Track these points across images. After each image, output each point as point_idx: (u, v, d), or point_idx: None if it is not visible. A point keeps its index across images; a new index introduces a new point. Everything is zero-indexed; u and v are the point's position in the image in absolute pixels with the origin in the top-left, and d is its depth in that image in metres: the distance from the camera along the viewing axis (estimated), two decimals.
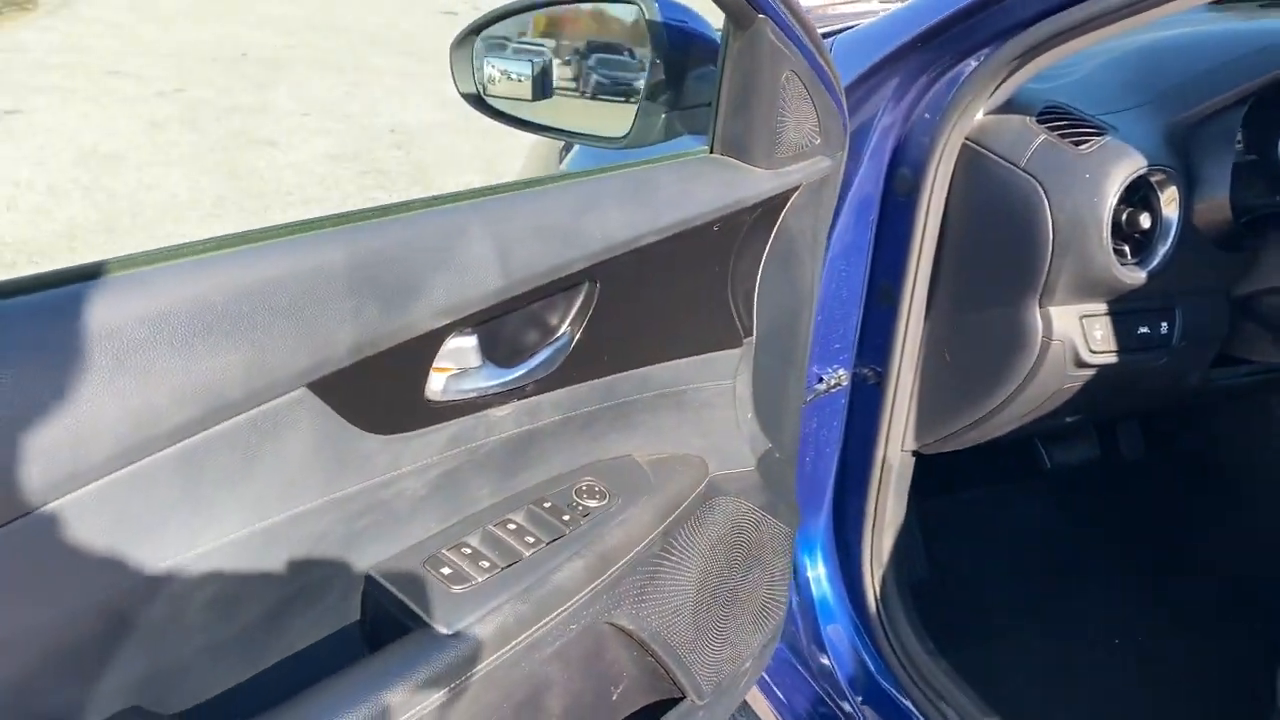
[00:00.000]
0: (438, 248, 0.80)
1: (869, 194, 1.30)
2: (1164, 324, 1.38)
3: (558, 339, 0.95)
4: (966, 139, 1.25)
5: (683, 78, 1.17)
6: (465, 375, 0.89)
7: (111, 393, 0.62)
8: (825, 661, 1.49)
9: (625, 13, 1.27)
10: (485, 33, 1.31)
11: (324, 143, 5.27)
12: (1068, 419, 1.49)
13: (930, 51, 1.22)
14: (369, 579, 0.85)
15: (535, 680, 0.95)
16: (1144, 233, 1.28)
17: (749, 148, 1.04)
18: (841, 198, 1.26)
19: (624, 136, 1.20)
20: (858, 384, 1.40)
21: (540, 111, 1.33)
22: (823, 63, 1.04)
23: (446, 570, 0.86)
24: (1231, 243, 1.37)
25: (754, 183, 1.04)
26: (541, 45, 1.35)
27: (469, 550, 0.89)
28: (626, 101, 1.25)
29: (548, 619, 0.89)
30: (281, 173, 4.82)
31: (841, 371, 1.39)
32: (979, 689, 1.41)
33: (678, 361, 1.08)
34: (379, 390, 0.80)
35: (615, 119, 1.22)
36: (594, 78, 1.32)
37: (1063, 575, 1.86)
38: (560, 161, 1.97)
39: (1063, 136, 1.24)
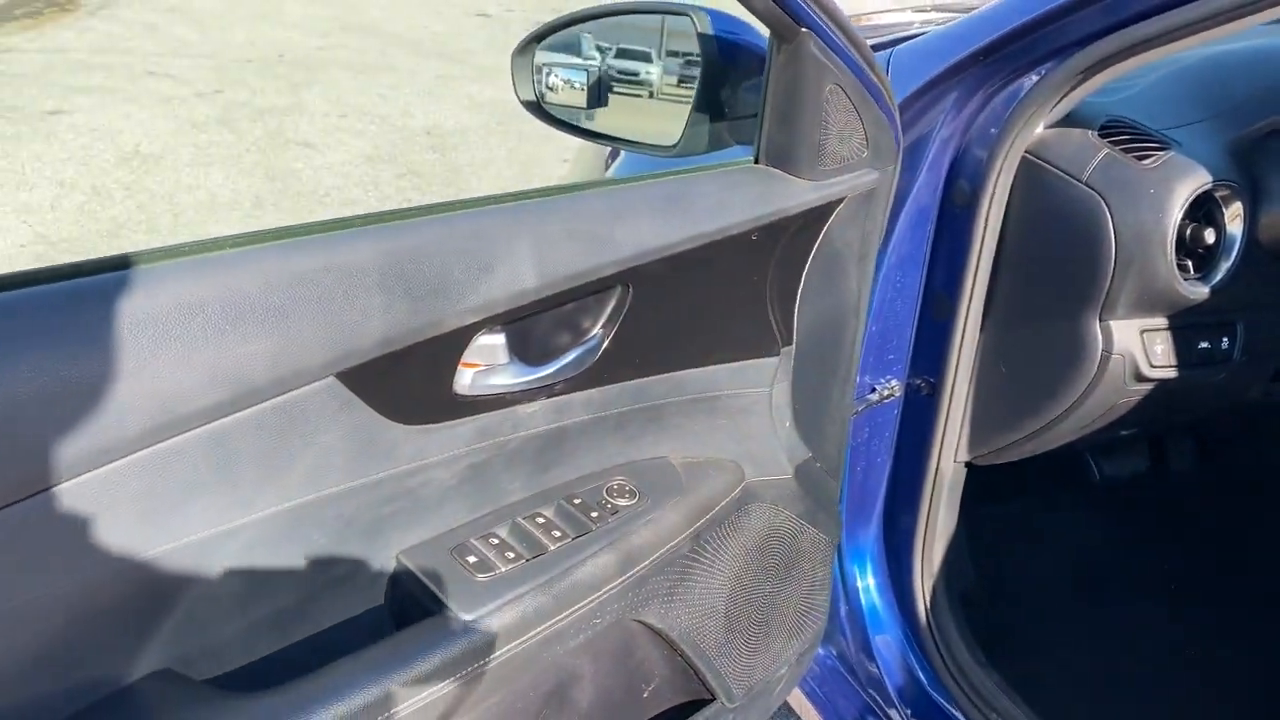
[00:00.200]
0: (470, 248, 0.82)
1: (926, 205, 1.30)
2: (1225, 339, 1.37)
3: (588, 340, 0.97)
4: (1026, 152, 1.25)
5: (732, 89, 1.18)
6: (493, 371, 0.91)
7: (147, 373, 0.66)
8: (874, 671, 1.49)
9: (678, 24, 1.28)
10: (545, 42, 1.33)
11: (361, 144, 5.31)
12: (1123, 432, 1.48)
13: (991, 65, 1.22)
14: (396, 563, 0.87)
15: (563, 671, 0.97)
16: (1207, 248, 1.27)
17: (792, 159, 1.05)
18: (898, 209, 1.26)
19: (673, 146, 1.21)
20: (911, 395, 1.40)
21: (595, 119, 1.35)
22: (872, 76, 1.04)
23: (472, 559, 0.88)
24: None
25: (796, 193, 1.04)
26: (597, 55, 1.36)
27: (496, 541, 0.91)
28: (677, 111, 1.26)
29: (569, 612, 0.91)
30: (319, 174, 4.86)
31: (895, 382, 1.39)
32: (1028, 701, 1.41)
33: (713, 367, 1.09)
34: (408, 382, 0.82)
35: (666, 128, 1.23)
36: (646, 88, 1.33)
37: (1112, 588, 1.85)
38: (606, 169, 1.98)
39: (1125, 151, 1.23)
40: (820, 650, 1.53)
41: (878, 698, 1.49)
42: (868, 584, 1.51)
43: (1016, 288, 1.32)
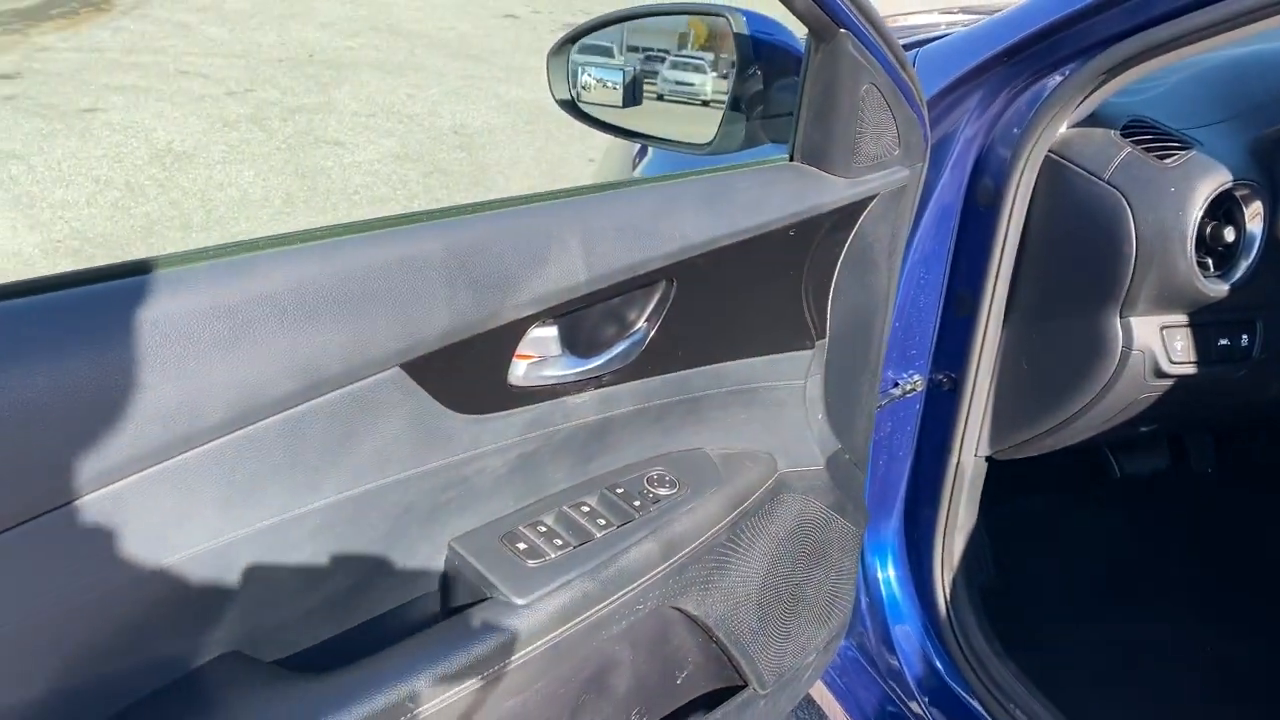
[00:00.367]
0: (526, 243, 0.85)
1: (950, 203, 1.33)
2: (1244, 336, 1.38)
3: (634, 333, 0.99)
4: (1050, 151, 1.27)
5: (766, 87, 1.20)
6: (546, 363, 0.94)
7: (227, 363, 0.68)
8: (894, 662, 1.52)
9: (714, 24, 1.31)
10: (581, 42, 1.36)
11: (389, 143, 5.36)
12: (1142, 428, 1.50)
13: (1015, 66, 1.24)
14: (450, 549, 0.90)
15: (603, 657, 0.99)
16: (1227, 246, 1.29)
17: (828, 156, 1.07)
18: (922, 207, 1.29)
19: (708, 143, 1.23)
20: (933, 389, 1.43)
21: (630, 118, 1.38)
22: (904, 76, 1.06)
23: (522, 545, 0.91)
24: None
25: (831, 190, 1.07)
26: (632, 55, 1.40)
27: (544, 528, 0.94)
28: (711, 110, 1.29)
29: (614, 598, 0.93)
30: (348, 172, 4.92)
31: (917, 377, 1.41)
32: (1046, 693, 1.42)
33: (750, 360, 1.11)
34: (466, 373, 0.85)
35: (701, 126, 1.26)
36: (681, 87, 1.36)
37: (1130, 583, 1.86)
38: (634, 167, 2.01)
39: (1147, 150, 1.25)
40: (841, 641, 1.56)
41: (897, 688, 1.51)
42: (888, 576, 1.54)
43: (1038, 284, 1.34)
